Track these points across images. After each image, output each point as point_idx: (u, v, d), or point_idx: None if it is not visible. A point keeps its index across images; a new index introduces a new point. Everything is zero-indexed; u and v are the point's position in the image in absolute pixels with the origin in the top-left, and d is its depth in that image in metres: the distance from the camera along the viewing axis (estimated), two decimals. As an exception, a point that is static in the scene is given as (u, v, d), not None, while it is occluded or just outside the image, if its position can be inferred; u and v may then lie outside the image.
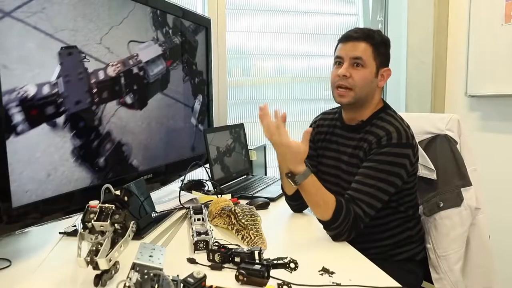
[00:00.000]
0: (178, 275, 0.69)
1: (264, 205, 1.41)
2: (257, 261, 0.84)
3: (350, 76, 1.16)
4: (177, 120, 1.59)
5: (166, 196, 1.52)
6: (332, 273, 0.87)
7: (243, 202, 1.38)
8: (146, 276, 0.65)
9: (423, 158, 1.30)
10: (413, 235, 1.25)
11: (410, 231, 1.25)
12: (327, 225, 1.08)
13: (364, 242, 1.16)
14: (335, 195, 1.11)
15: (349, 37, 1.19)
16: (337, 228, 1.07)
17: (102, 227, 0.80)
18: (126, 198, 0.88)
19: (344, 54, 1.18)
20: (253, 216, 1.13)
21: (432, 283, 1.29)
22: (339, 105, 1.26)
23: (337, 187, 1.23)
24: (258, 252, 0.85)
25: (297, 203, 1.29)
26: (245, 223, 1.09)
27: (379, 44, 1.18)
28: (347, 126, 1.26)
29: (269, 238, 1.08)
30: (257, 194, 1.55)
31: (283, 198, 1.36)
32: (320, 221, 1.11)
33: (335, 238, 1.08)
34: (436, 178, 1.29)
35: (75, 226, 1.19)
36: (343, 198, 1.10)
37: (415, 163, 1.18)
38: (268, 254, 0.89)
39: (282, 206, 1.39)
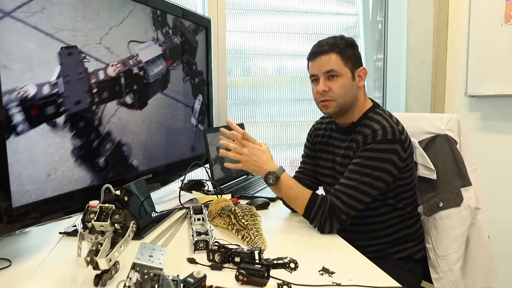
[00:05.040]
0: (178, 275, 0.69)
1: (264, 205, 1.41)
2: (257, 261, 0.84)
3: (329, 89, 1.20)
4: (177, 120, 1.59)
5: (166, 196, 1.52)
6: (332, 273, 0.87)
7: (243, 202, 1.38)
8: (146, 276, 0.65)
9: (423, 158, 1.30)
10: (412, 233, 1.26)
11: (409, 229, 1.26)
12: (307, 215, 1.15)
13: (364, 240, 1.21)
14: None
15: (316, 53, 1.22)
16: (316, 217, 1.13)
17: (102, 227, 0.80)
18: (126, 198, 0.87)
19: (317, 71, 1.22)
20: (253, 216, 1.14)
21: (431, 282, 1.29)
22: None
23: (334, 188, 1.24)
24: (258, 252, 0.85)
25: None
26: (245, 223, 1.09)
27: (345, 49, 1.20)
28: (340, 128, 1.30)
29: (269, 238, 1.08)
30: (257, 194, 1.56)
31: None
32: (303, 216, 1.16)
33: (320, 229, 1.13)
34: (436, 178, 1.29)
35: (75, 226, 1.19)
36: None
37: (407, 158, 1.18)
38: (268, 254, 0.89)
39: (282, 206, 1.39)
